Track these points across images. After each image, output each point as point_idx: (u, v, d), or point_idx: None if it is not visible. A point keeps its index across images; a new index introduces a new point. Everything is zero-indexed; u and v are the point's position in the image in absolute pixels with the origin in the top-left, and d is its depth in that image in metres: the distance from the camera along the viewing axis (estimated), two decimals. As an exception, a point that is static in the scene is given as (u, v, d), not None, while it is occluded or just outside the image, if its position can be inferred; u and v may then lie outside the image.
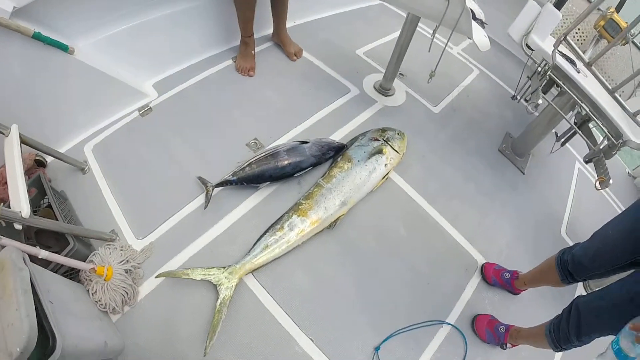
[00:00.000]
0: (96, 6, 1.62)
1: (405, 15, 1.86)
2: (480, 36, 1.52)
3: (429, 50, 1.55)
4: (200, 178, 1.64)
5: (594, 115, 1.57)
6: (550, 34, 1.73)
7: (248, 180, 1.65)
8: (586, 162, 1.71)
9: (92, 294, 1.26)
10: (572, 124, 1.73)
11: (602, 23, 1.67)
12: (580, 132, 1.73)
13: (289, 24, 2.49)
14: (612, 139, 1.53)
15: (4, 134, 1.18)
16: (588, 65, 1.57)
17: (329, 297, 1.49)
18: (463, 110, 2.35)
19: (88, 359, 1.01)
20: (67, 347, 0.87)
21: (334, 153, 1.83)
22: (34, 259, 1.06)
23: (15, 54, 1.40)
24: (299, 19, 2.62)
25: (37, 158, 1.55)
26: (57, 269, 1.19)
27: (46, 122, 1.65)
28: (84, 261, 1.29)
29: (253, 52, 2.16)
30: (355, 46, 2.55)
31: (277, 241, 1.51)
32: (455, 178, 1.99)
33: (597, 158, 1.64)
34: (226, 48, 2.29)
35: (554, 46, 1.54)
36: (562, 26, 1.85)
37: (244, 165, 1.65)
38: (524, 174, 2.14)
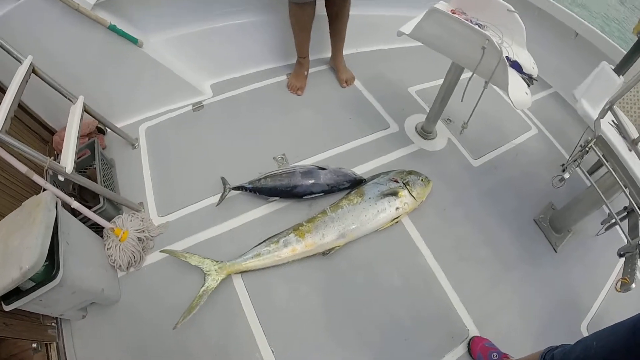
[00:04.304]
0: (171, 8, 2.05)
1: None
2: (518, 92, 1.51)
3: (462, 100, 1.63)
4: (222, 178, 1.96)
5: (635, 203, 1.43)
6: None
7: (261, 191, 1.92)
8: (619, 256, 1.55)
9: (107, 249, 1.64)
10: (611, 209, 1.59)
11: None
12: (618, 219, 1.59)
13: (351, 51, 2.77)
14: None
15: (72, 101, 1.62)
16: (633, 143, 1.38)
17: (302, 318, 1.65)
18: (505, 170, 2.32)
19: (83, 295, 1.36)
20: (66, 278, 1.21)
21: (349, 185, 2.01)
22: (68, 206, 1.46)
23: (93, 40, 1.86)
24: (363, 47, 2.88)
25: (99, 126, 2.03)
26: (86, 220, 1.58)
27: (111, 99, 2.12)
28: (109, 221, 1.68)
29: (306, 72, 2.48)
30: (409, 83, 2.70)
31: (269, 252, 1.74)
32: (474, 239, 1.98)
33: (630, 254, 1.50)
34: (285, 64, 2.66)
35: (599, 114, 1.46)
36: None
37: (261, 177, 1.93)
38: (556, 252, 2.02)
